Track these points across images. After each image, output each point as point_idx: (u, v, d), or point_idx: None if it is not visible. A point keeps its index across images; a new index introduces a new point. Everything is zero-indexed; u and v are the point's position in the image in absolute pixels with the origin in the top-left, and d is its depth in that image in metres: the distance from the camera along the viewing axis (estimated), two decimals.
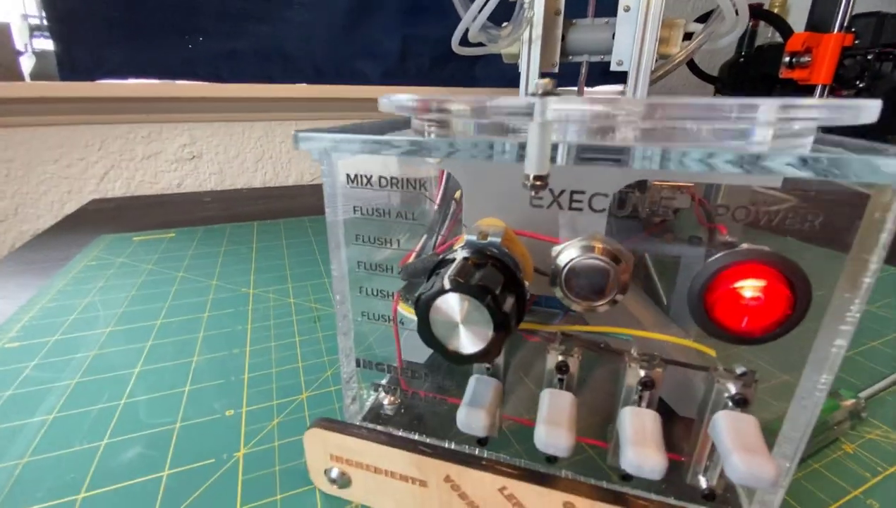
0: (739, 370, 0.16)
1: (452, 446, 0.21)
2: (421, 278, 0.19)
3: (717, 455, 0.17)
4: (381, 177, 0.18)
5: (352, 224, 0.20)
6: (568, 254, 0.16)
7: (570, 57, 0.37)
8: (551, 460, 0.20)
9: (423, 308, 0.15)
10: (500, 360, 0.20)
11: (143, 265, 0.48)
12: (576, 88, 0.41)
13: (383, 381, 0.23)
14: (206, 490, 0.22)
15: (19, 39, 0.73)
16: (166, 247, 0.53)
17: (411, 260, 0.22)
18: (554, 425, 0.17)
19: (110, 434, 0.25)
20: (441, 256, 0.17)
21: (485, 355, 0.15)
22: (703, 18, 0.35)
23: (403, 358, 0.22)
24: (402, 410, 0.24)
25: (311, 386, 0.29)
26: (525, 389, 0.25)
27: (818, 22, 0.70)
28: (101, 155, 0.78)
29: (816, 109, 0.13)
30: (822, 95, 0.70)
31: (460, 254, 0.16)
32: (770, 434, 0.17)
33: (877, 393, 0.28)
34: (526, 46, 0.36)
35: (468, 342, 0.15)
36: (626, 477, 0.19)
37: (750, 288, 0.14)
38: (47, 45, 0.71)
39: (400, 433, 0.22)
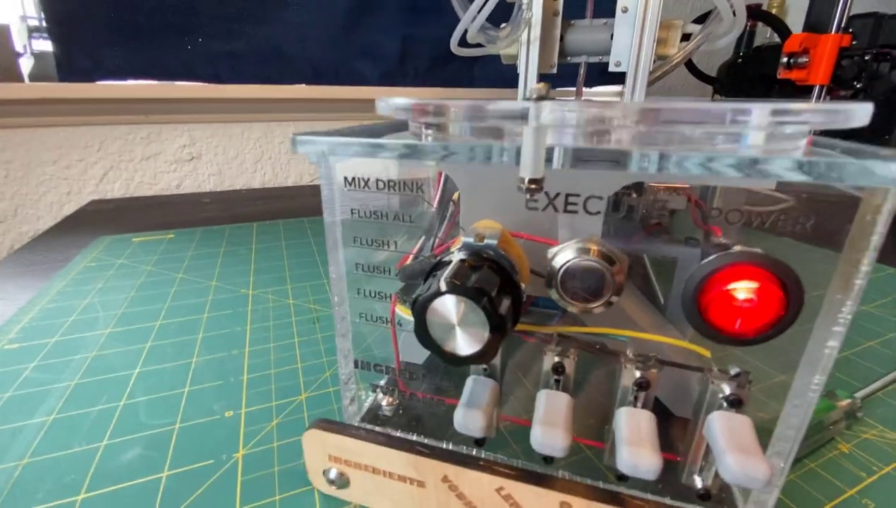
0: (734, 371, 0.16)
1: (450, 446, 0.21)
2: (418, 280, 0.19)
3: (712, 456, 0.17)
4: (377, 180, 0.18)
5: (350, 226, 0.20)
6: (563, 256, 0.16)
7: (569, 58, 0.37)
8: (548, 460, 0.20)
9: (420, 310, 0.15)
10: (496, 361, 0.20)
11: (143, 266, 0.48)
12: (574, 89, 0.41)
13: (381, 382, 0.23)
14: (206, 490, 0.22)
15: (18, 41, 0.73)
16: (165, 248, 0.54)
17: (409, 261, 0.22)
18: (550, 426, 0.17)
19: (110, 435, 0.25)
20: (438, 258, 0.17)
21: (481, 356, 0.15)
22: (701, 19, 0.35)
23: (402, 359, 0.22)
24: (401, 411, 0.24)
25: (310, 387, 0.29)
26: (523, 389, 0.25)
27: (816, 23, 0.70)
28: (100, 156, 0.78)
29: (809, 114, 0.13)
30: (819, 96, 0.71)
31: (457, 256, 0.16)
32: (766, 433, 0.17)
33: (873, 393, 0.28)
34: (524, 47, 0.36)
35: (464, 343, 0.15)
36: (622, 477, 0.19)
37: (743, 290, 0.14)
38: (46, 46, 0.71)
39: (398, 434, 0.22)
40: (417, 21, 0.90)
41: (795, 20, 0.79)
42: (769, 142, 0.15)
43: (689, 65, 0.95)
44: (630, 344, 0.19)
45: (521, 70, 0.36)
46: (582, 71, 0.39)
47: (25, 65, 0.74)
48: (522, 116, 0.13)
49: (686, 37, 0.34)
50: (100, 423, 0.26)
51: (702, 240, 0.21)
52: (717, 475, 0.18)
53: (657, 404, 0.22)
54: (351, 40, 0.87)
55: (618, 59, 0.35)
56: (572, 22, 0.36)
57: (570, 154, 0.14)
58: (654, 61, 0.34)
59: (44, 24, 0.69)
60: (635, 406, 0.18)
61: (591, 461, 0.23)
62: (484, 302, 0.15)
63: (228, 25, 0.78)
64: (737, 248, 0.14)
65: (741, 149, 0.14)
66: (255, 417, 0.27)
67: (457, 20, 0.32)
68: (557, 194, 0.17)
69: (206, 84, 0.80)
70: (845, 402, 0.26)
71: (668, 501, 0.18)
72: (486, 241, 0.17)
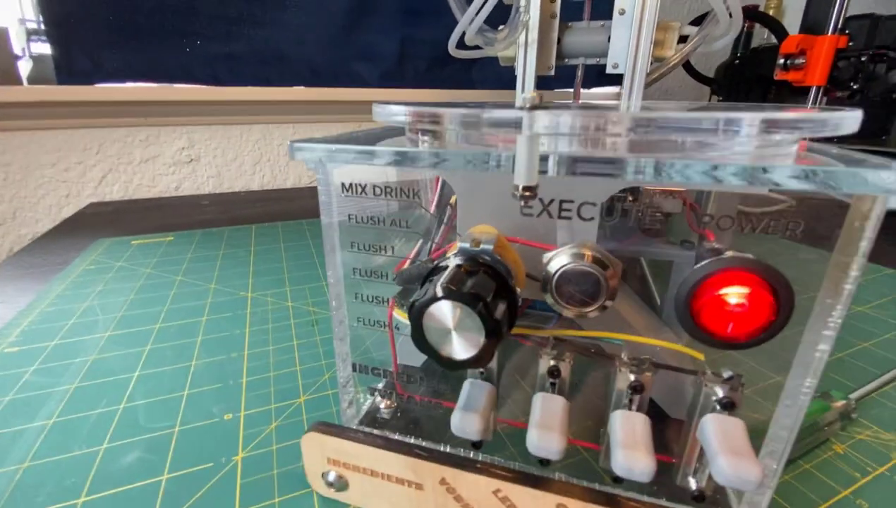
0: (726, 374, 0.17)
1: (448, 449, 0.21)
2: (415, 284, 0.19)
3: (706, 458, 0.17)
4: (374, 187, 0.19)
5: (347, 231, 0.20)
6: (558, 261, 0.16)
7: (567, 60, 0.37)
8: (544, 463, 0.20)
9: (417, 315, 0.16)
10: (493, 365, 0.20)
11: (142, 269, 0.48)
12: (572, 91, 0.41)
13: (379, 385, 0.24)
14: (205, 493, 0.22)
15: (17, 43, 0.73)
16: (164, 251, 0.54)
17: (406, 265, 0.22)
18: (545, 429, 0.17)
19: (110, 438, 0.25)
20: (435, 263, 0.17)
21: (477, 361, 0.16)
22: (697, 21, 0.35)
23: (399, 363, 0.23)
24: (399, 414, 0.24)
25: (309, 390, 0.30)
26: (520, 392, 0.25)
27: (812, 24, 0.70)
28: (98, 158, 0.78)
29: (800, 123, 0.13)
30: (816, 97, 0.71)
31: (453, 261, 0.16)
32: (761, 435, 0.17)
33: (867, 394, 0.29)
34: (522, 49, 0.36)
35: (461, 348, 0.16)
36: (617, 480, 0.19)
37: (734, 294, 0.14)
38: (45, 49, 0.71)
39: (396, 436, 0.22)
40: (416, 23, 0.90)
41: (792, 21, 0.79)
42: (760, 148, 0.15)
43: (687, 66, 0.96)
44: (625, 348, 0.19)
45: (518, 72, 0.37)
46: (579, 73, 0.39)
47: (24, 67, 0.74)
48: (516, 125, 0.13)
49: (683, 39, 0.35)
50: (100, 426, 0.26)
51: (696, 244, 0.21)
52: (711, 476, 0.18)
53: (653, 406, 0.22)
54: (349, 42, 0.87)
55: (615, 61, 0.35)
56: (570, 24, 0.36)
57: (565, 161, 0.14)
58: (652, 63, 0.34)
59: (42, 26, 0.69)
60: (630, 409, 0.18)
61: (588, 463, 0.23)
62: (479, 307, 0.15)
63: (227, 27, 0.78)
64: (728, 254, 0.14)
65: (731, 156, 0.14)
66: (255, 420, 0.27)
67: (455, 22, 0.33)
68: (552, 200, 0.18)
69: (205, 86, 0.80)
70: (840, 403, 0.26)
71: (663, 503, 0.18)
72: (481, 246, 0.17)
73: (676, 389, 0.22)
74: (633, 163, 0.14)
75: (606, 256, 0.16)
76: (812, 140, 0.18)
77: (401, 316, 0.21)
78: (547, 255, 0.17)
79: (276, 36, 0.82)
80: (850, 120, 0.13)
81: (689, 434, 0.18)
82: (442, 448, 0.21)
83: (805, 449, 0.24)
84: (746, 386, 0.17)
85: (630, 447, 0.16)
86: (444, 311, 0.15)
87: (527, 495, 0.18)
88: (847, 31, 0.68)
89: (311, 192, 0.89)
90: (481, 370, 0.20)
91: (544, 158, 0.14)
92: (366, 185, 0.19)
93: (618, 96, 0.35)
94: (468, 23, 0.32)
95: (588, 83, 1.07)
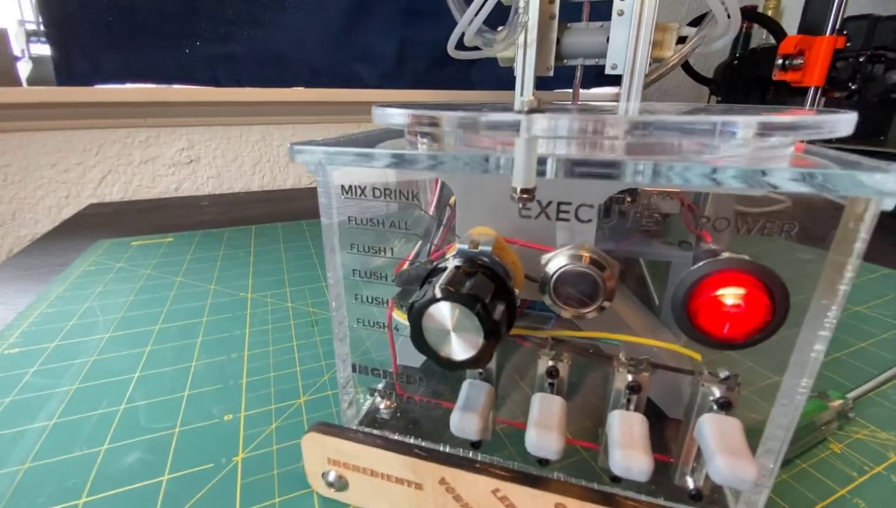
0: (723, 374, 0.17)
1: (447, 449, 0.21)
2: (415, 285, 0.19)
3: (703, 457, 0.18)
4: (374, 189, 0.19)
5: (347, 232, 0.20)
6: (556, 262, 0.16)
7: (566, 60, 0.37)
8: (543, 462, 0.20)
9: (416, 316, 0.16)
10: (492, 365, 0.20)
11: (142, 270, 0.49)
12: (571, 91, 0.42)
13: (379, 386, 0.24)
14: (206, 493, 0.22)
15: (16, 45, 0.73)
16: (164, 252, 0.54)
17: (406, 266, 0.22)
18: (544, 428, 0.17)
19: (110, 439, 0.25)
20: (434, 264, 0.17)
21: (476, 361, 0.16)
22: (696, 22, 0.36)
23: (399, 363, 0.23)
24: (398, 414, 0.24)
25: (309, 391, 0.30)
26: (519, 392, 0.25)
27: (811, 24, 0.71)
28: (98, 159, 0.78)
29: (795, 126, 0.13)
30: (814, 97, 0.71)
31: (452, 262, 0.16)
32: (759, 434, 0.17)
33: (864, 393, 0.29)
34: (521, 50, 0.36)
35: (460, 349, 0.16)
36: (615, 479, 0.19)
37: (730, 295, 0.14)
38: (44, 50, 0.71)
39: (396, 437, 0.22)
40: (415, 24, 0.90)
41: (791, 22, 0.79)
42: (756, 150, 0.15)
43: (686, 66, 0.96)
44: (622, 348, 0.19)
45: (518, 73, 0.37)
46: (578, 73, 0.39)
47: (23, 69, 0.74)
48: (514, 128, 0.13)
49: (682, 39, 0.35)
50: (100, 427, 0.26)
51: (694, 244, 0.21)
52: (708, 476, 0.18)
53: (652, 406, 0.22)
54: (348, 43, 0.88)
55: (614, 62, 0.35)
56: (569, 25, 0.36)
57: (564, 164, 0.14)
58: (650, 63, 0.34)
59: (42, 28, 0.70)
60: (628, 409, 0.18)
61: (587, 462, 0.23)
62: (478, 308, 0.15)
63: (226, 29, 0.79)
64: (725, 255, 0.15)
65: (728, 158, 0.15)
66: (255, 420, 0.27)
67: (454, 23, 0.33)
68: (549, 202, 0.18)
69: (205, 87, 0.80)
70: (837, 403, 0.26)
71: (661, 502, 0.18)
72: (480, 248, 0.17)
73: (674, 389, 0.22)
74: (632, 166, 0.14)
75: (604, 257, 0.16)
76: (808, 141, 0.18)
77: (400, 317, 0.21)
78: (545, 257, 0.17)
79: (276, 37, 0.82)
80: (844, 123, 0.13)
81: (687, 433, 0.18)
82: (441, 448, 0.21)
83: (802, 449, 0.24)
84: (744, 386, 0.17)
85: (628, 446, 0.16)
86: (443, 312, 0.15)
87: (525, 494, 0.18)
88: (845, 32, 0.68)
89: (311, 193, 0.89)
90: (480, 370, 0.20)
91: (543, 161, 0.14)
92: (365, 187, 0.19)
93: (617, 97, 0.35)
94: (467, 24, 0.32)
95: (587, 83, 1.07)
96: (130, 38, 0.73)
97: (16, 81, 0.73)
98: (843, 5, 0.66)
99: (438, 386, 0.22)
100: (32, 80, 0.74)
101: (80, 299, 0.42)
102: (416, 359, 0.24)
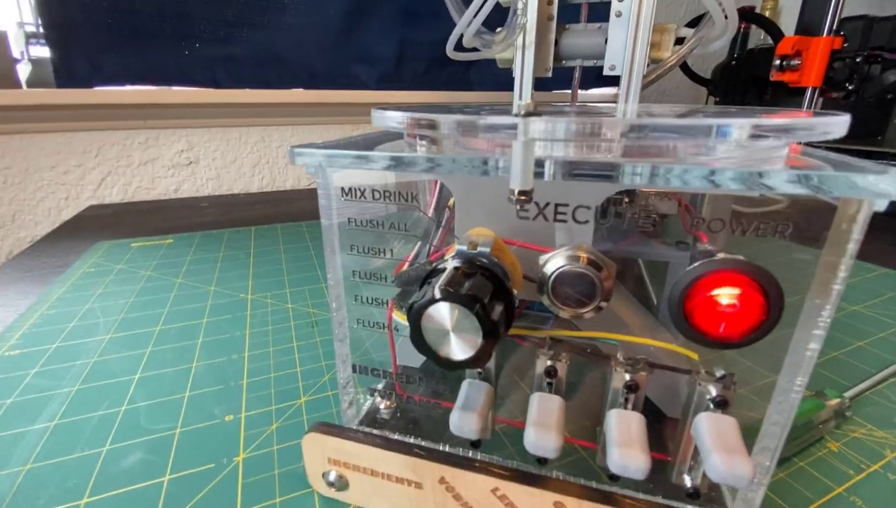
0: (719, 373, 0.17)
1: (447, 449, 0.21)
2: (414, 286, 0.20)
3: (700, 455, 0.18)
4: (374, 191, 0.19)
5: (347, 234, 0.20)
6: (554, 263, 0.17)
7: (564, 62, 0.37)
8: (542, 461, 0.21)
9: (416, 316, 0.16)
10: (491, 365, 0.20)
11: (142, 271, 0.49)
12: (570, 91, 0.42)
13: (379, 386, 0.24)
14: (207, 494, 0.22)
15: (16, 47, 0.73)
16: (164, 253, 0.54)
17: (405, 267, 0.22)
18: (542, 428, 0.17)
19: (111, 440, 0.26)
20: (433, 265, 0.18)
21: (475, 361, 0.16)
22: (693, 23, 0.36)
23: (399, 363, 0.23)
24: (398, 414, 0.24)
25: (309, 391, 0.30)
26: (518, 392, 0.25)
27: (808, 25, 0.71)
28: (98, 161, 0.78)
29: (789, 129, 0.14)
30: (812, 98, 0.71)
31: (451, 263, 0.17)
32: (753, 433, 0.17)
33: (861, 392, 0.29)
34: (520, 52, 0.36)
35: (459, 349, 0.16)
36: (613, 477, 0.19)
37: (726, 295, 0.14)
38: (44, 52, 0.71)
39: (396, 436, 0.22)
40: (414, 25, 0.90)
41: (788, 23, 0.80)
42: (752, 152, 0.15)
43: (684, 67, 0.96)
44: (621, 348, 0.19)
45: (516, 74, 0.37)
46: (577, 74, 0.39)
47: (23, 71, 0.74)
48: (511, 131, 0.13)
49: (679, 40, 0.35)
50: (101, 428, 0.26)
51: (691, 245, 0.21)
52: (705, 474, 0.18)
53: (651, 405, 0.22)
54: (348, 44, 0.88)
55: (612, 63, 0.35)
56: (567, 26, 0.37)
57: (562, 166, 0.15)
58: (648, 64, 0.34)
59: (41, 30, 0.70)
60: (625, 408, 0.18)
61: (585, 461, 0.23)
62: (477, 308, 0.15)
63: (226, 30, 0.79)
64: (720, 255, 0.15)
65: (724, 160, 0.15)
66: (255, 421, 0.27)
67: (453, 24, 0.33)
68: (547, 204, 0.18)
69: (204, 89, 0.80)
70: (834, 401, 0.26)
71: (659, 500, 0.19)
72: (479, 249, 0.17)
73: (672, 388, 0.22)
74: (630, 168, 0.14)
75: (601, 258, 0.17)
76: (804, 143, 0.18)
77: (400, 318, 0.21)
78: (543, 257, 0.17)
79: (275, 38, 0.82)
80: (837, 125, 0.14)
81: (684, 432, 0.18)
82: (441, 448, 0.21)
83: (800, 447, 0.25)
84: (740, 385, 0.17)
85: (625, 445, 0.17)
86: (443, 313, 0.15)
87: (525, 493, 0.18)
88: (842, 33, 0.69)
89: (311, 194, 0.89)
90: (479, 370, 0.21)
91: (540, 163, 0.14)
92: (365, 189, 0.19)
93: (615, 97, 0.35)
94: (466, 25, 0.32)
95: (586, 84, 1.08)
96: (130, 39, 0.73)
97: (15, 83, 0.73)
98: (840, 6, 0.67)
99: (438, 385, 0.23)
100: (32, 82, 0.75)
101: (81, 301, 0.42)
102: (416, 359, 0.24)
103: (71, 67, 0.71)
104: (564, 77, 0.39)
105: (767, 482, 0.17)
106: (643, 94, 0.35)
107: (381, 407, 0.24)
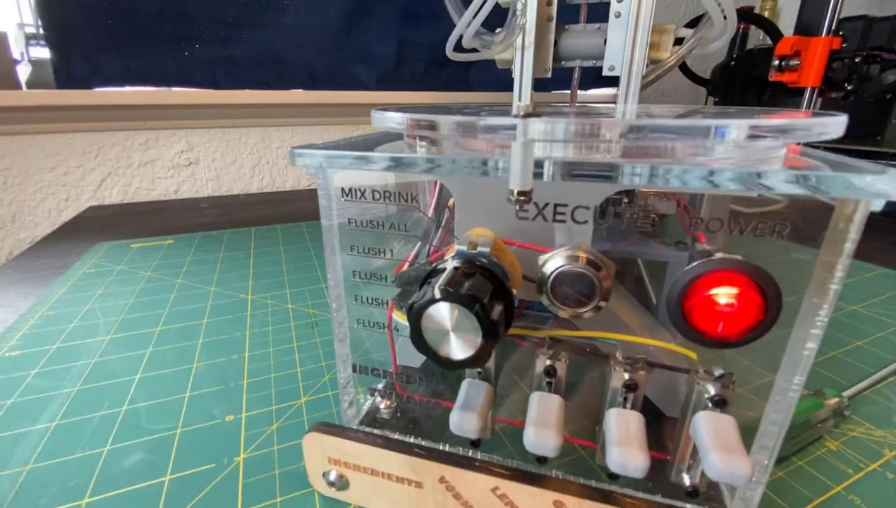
0: (718, 372, 0.17)
1: (447, 448, 0.21)
2: (414, 286, 0.20)
3: (699, 454, 0.18)
4: (374, 191, 0.19)
5: (347, 234, 0.20)
6: (553, 263, 0.17)
7: (563, 62, 0.38)
8: (541, 460, 0.21)
9: (416, 316, 0.16)
10: (490, 365, 0.20)
11: (142, 272, 0.49)
12: (569, 92, 0.42)
13: (379, 386, 0.24)
14: (208, 494, 0.22)
15: (15, 48, 0.73)
16: (164, 254, 0.54)
17: (405, 268, 0.22)
18: (542, 427, 0.17)
19: (112, 440, 0.26)
20: (433, 265, 0.18)
21: (475, 361, 0.16)
22: (692, 24, 0.36)
23: (399, 363, 0.23)
24: (398, 414, 0.24)
25: (310, 391, 0.30)
26: (518, 391, 0.25)
27: (807, 25, 0.71)
28: (97, 162, 0.78)
29: (786, 130, 0.14)
30: (811, 98, 0.72)
31: (451, 263, 0.17)
32: (752, 432, 0.17)
33: (860, 391, 0.29)
34: (519, 52, 0.36)
35: (458, 349, 0.16)
36: (613, 476, 0.19)
37: (724, 295, 0.14)
38: (43, 53, 0.71)
39: (396, 436, 0.22)
40: (414, 26, 0.90)
41: (787, 23, 0.80)
42: (750, 152, 0.15)
43: (683, 67, 0.96)
44: (620, 347, 0.19)
45: (515, 74, 0.37)
46: (576, 75, 0.40)
47: (23, 72, 0.74)
48: (511, 131, 0.13)
49: (679, 41, 0.35)
50: (102, 429, 0.26)
51: (690, 244, 0.21)
52: (704, 472, 0.18)
53: (650, 404, 0.22)
54: (347, 45, 0.88)
55: (611, 63, 0.35)
56: (566, 27, 0.37)
57: (561, 167, 0.15)
58: (648, 65, 0.35)
59: (41, 31, 0.70)
60: (624, 407, 0.18)
61: (585, 460, 0.23)
62: (476, 308, 0.15)
63: (225, 31, 0.79)
64: (718, 255, 0.15)
65: (722, 160, 0.15)
66: (256, 421, 0.27)
67: (452, 25, 0.33)
68: (546, 204, 0.18)
69: (204, 90, 0.81)
70: (833, 401, 0.26)
71: (658, 498, 0.19)
72: (478, 249, 0.17)
73: (670, 387, 0.22)
74: (629, 169, 0.14)
75: (600, 258, 0.17)
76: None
77: (400, 318, 0.22)
78: (542, 257, 0.18)
79: (275, 39, 0.82)
80: (834, 125, 0.14)
81: (683, 431, 0.18)
82: (441, 447, 0.21)
83: (798, 446, 0.25)
84: (738, 384, 0.17)
85: (624, 444, 0.17)
86: (442, 313, 0.16)
87: (524, 492, 0.19)
88: (841, 33, 0.69)
89: (310, 195, 0.89)
90: (479, 370, 0.21)
91: (540, 164, 0.15)
92: (365, 190, 0.19)
93: (614, 98, 0.35)
94: (465, 26, 0.32)
95: (585, 85, 1.08)
96: (129, 40, 0.73)
97: (15, 85, 0.73)
98: (839, 6, 0.67)
99: (438, 385, 0.23)
100: (32, 84, 0.75)
101: (81, 301, 0.42)
102: (416, 359, 0.24)
103: (71, 68, 0.71)
104: (564, 77, 0.39)
105: (766, 480, 0.17)
106: (642, 95, 0.35)
107: (382, 406, 0.25)
